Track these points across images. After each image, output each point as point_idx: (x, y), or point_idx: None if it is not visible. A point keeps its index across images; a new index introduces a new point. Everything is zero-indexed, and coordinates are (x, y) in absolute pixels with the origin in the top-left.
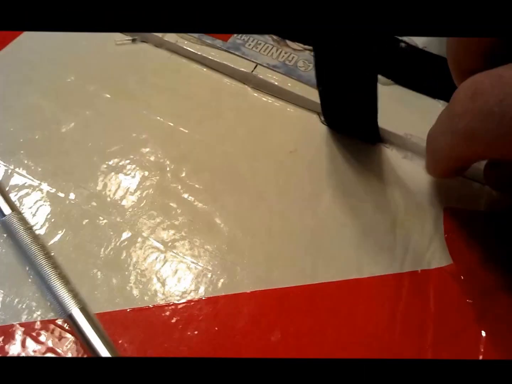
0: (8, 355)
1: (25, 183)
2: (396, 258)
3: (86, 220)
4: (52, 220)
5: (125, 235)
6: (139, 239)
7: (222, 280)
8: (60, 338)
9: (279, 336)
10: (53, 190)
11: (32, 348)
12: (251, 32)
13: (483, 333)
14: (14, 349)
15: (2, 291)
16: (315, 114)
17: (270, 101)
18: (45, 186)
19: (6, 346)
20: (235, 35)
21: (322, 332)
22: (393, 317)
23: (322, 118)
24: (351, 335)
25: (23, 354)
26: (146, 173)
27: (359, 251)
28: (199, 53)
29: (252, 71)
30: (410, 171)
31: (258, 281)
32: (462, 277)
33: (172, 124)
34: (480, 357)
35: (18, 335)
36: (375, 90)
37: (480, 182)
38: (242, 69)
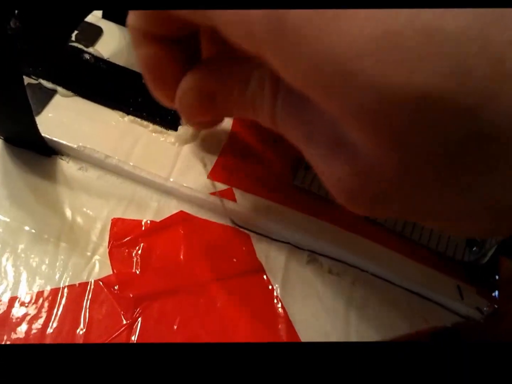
0: None
1: None
2: (56, 272)
3: None
4: None
5: None
6: None
7: None
8: None
9: None
10: None
11: None
12: None
13: (133, 338)
14: None
15: None
16: None
17: None
18: None
19: None
20: None
21: None
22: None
23: None
24: None
25: None
26: None
27: None
28: None
29: None
30: (85, 182)
31: None
32: (117, 287)
33: None
34: None
35: None
36: (24, 95)
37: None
38: None
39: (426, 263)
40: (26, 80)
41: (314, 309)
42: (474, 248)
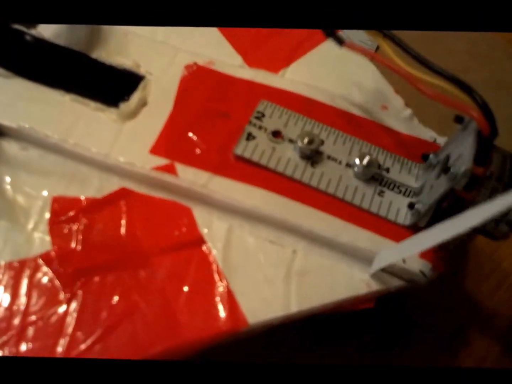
0: None
1: None
2: None
3: None
4: None
5: None
6: None
7: None
8: None
9: None
10: None
11: None
12: None
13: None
14: None
15: None
16: None
17: None
18: None
19: None
20: None
21: None
22: None
23: None
24: None
25: None
26: None
27: None
28: None
29: None
30: (26, 161)
31: None
32: (56, 263)
33: None
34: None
35: None
36: None
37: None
38: None
39: (368, 227)
40: None
41: (255, 279)
42: (413, 211)
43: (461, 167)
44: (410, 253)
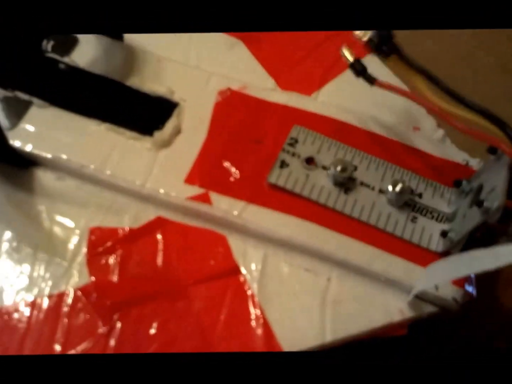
0: None
1: None
2: (34, 283)
3: None
4: None
5: None
6: None
7: None
8: None
9: None
10: None
11: None
12: None
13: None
14: None
15: None
16: None
17: None
18: None
19: None
20: None
21: None
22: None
23: None
24: None
25: None
26: None
27: None
28: None
29: None
30: (62, 192)
31: None
32: (95, 295)
33: None
34: None
35: None
36: None
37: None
38: None
39: (400, 254)
40: (2, 93)
41: (290, 307)
42: (446, 239)
43: (494, 202)
44: (442, 281)
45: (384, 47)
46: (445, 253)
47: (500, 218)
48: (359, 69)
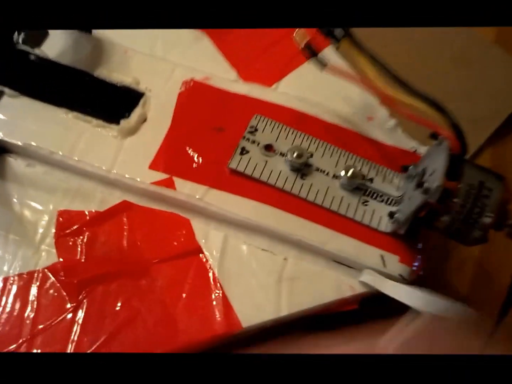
0: None
1: None
2: (5, 263)
3: None
4: None
5: None
6: None
7: None
8: None
9: None
10: None
11: None
12: None
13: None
14: None
15: None
16: None
17: None
18: None
19: None
20: None
21: None
22: None
23: None
24: None
25: None
26: None
27: None
28: None
29: None
30: (32, 177)
31: None
32: (62, 274)
33: None
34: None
35: None
36: None
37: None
38: None
39: (352, 234)
40: None
41: (248, 284)
42: (393, 219)
43: (434, 183)
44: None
45: (336, 31)
46: (393, 233)
47: (440, 198)
48: (310, 52)
